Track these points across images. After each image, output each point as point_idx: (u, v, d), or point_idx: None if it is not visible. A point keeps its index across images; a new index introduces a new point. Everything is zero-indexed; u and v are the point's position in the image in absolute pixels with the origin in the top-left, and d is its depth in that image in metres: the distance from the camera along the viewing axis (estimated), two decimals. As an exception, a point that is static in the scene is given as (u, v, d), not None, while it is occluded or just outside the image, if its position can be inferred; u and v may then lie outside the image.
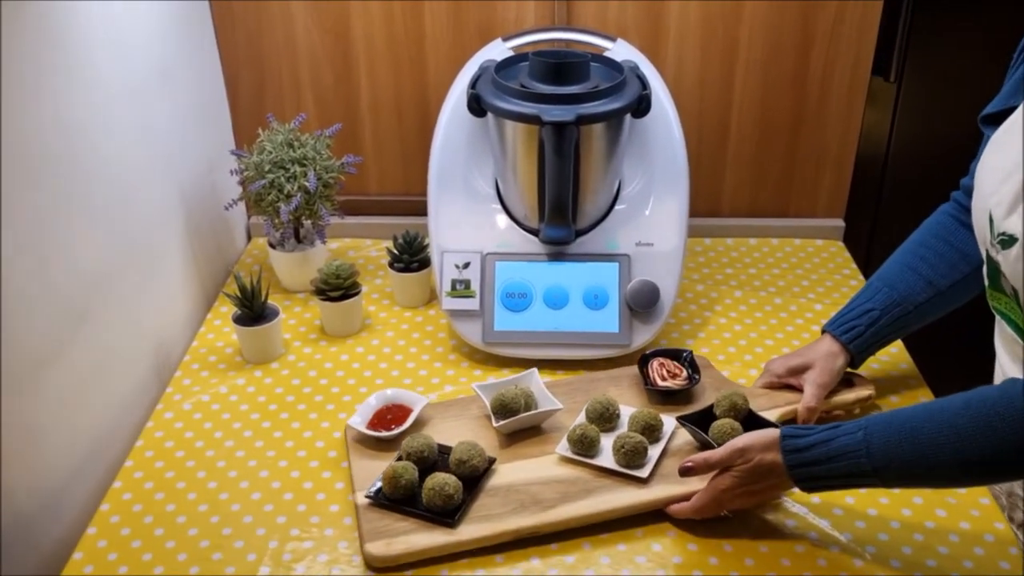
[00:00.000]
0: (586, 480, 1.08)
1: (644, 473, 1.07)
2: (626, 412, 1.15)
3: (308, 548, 1.02)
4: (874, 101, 1.63)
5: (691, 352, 1.25)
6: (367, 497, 1.05)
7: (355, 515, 1.05)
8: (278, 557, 1.01)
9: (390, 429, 1.14)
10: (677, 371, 1.22)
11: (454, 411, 1.19)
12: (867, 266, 1.57)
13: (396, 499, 1.04)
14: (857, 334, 1.16)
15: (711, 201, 1.61)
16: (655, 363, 1.23)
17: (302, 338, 1.37)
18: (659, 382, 1.21)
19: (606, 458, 1.09)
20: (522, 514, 1.03)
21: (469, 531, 1.01)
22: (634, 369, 1.25)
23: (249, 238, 1.65)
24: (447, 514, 1.02)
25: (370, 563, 0.99)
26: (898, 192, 1.72)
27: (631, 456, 1.07)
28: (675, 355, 1.25)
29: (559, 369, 1.29)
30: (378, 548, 0.99)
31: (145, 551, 1.02)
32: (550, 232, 1.25)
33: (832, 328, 1.18)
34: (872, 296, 1.16)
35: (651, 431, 1.11)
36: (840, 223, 1.62)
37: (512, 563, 1.00)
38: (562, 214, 1.21)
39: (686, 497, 1.04)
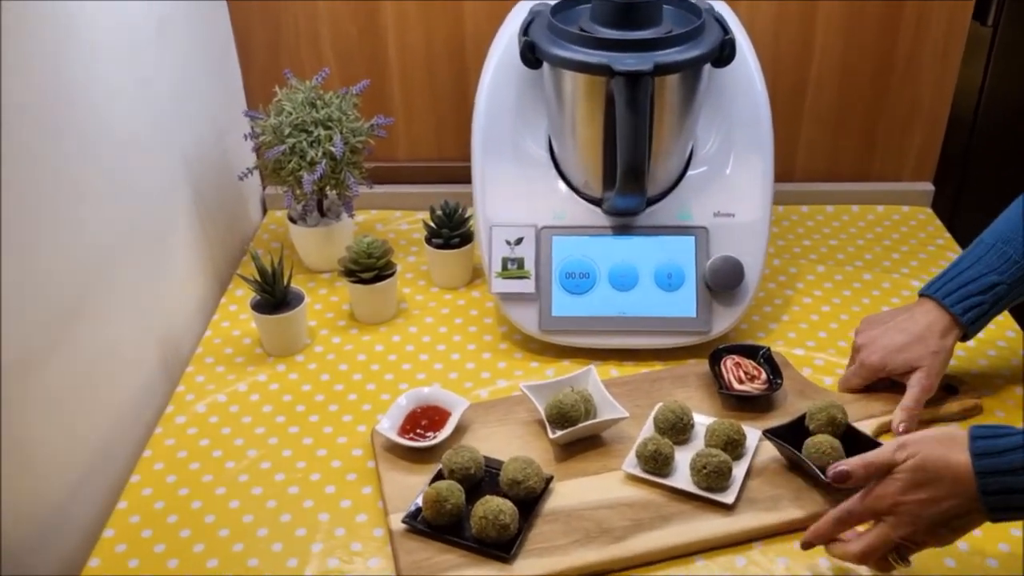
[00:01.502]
0: (659, 504, 0.91)
1: (729, 498, 0.91)
2: (699, 421, 0.99)
3: (350, 583, 0.86)
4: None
5: (768, 349, 1.08)
6: (404, 522, 0.89)
7: (390, 541, 0.89)
8: (314, 595, 0.85)
9: (425, 437, 0.98)
10: (756, 372, 1.05)
11: (497, 414, 1.03)
12: (954, 236, 1.39)
13: (440, 526, 0.88)
14: (980, 312, 0.98)
15: (784, 164, 1.42)
16: (729, 362, 1.06)
17: (329, 325, 1.20)
18: (736, 385, 1.04)
19: (682, 478, 0.93)
20: (589, 546, 0.87)
21: (527, 567, 0.85)
22: (701, 367, 1.08)
23: (265, 212, 1.48)
24: (502, 546, 0.86)
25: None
26: (988, 153, 1.53)
27: (714, 478, 0.91)
28: (750, 352, 1.08)
29: (627, 360, 1.12)
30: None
31: (157, 588, 0.86)
32: (620, 201, 1.08)
33: (943, 297, 0.99)
34: (996, 265, 0.97)
35: (733, 447, 0.95)
36: (929, 187, 1.44)
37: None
38: (637, 179, 1.03)
39: (782, 527, 0.88)
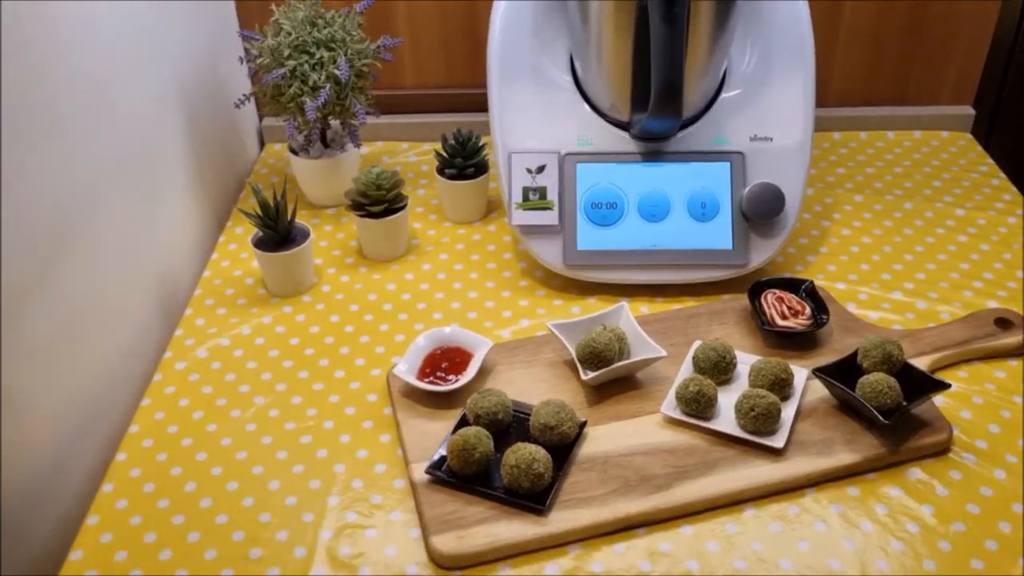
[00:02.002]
0: (703, 450, 0.85)
1: (779, 442, 0.84)
2: (741, 360, 0.92)
3: (371, 539, 0.80)
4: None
5: (811, 282, 1.00)
6: (427, 473, 0.82)
7: (412, 494, 0.82)
8: (334, 552, 0.78)
9: (446, 381, 0.90)
10: (799, 307, 0.98)
11: (524, 354, 0.96)
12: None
13: (467, 477, 0.81)
14: None
15: (816, 87, 1.34)
16: (770, 297, 0.99)
17: (336, 263, 1.12)
18: (779, 321, 0.96)
19: (726, 421, 0.86)
20: (629, 496, 0.80)
21: (564, 520, 0.79)
22: (739, 303, 1.01)
23: (262, 145, 1.39)
24: (535, 498, 0.79)
25: (439, 562, 0.77)
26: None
27: (763, 420, 0.84)
28: (791, 285, 1.00)
29: (658, 296, 1.05)
30: (448, 543, 0.77)
31: (162, 547, 0.79)
32: (654, 124, 0.99)
33: None
34: None
35: (781, 387, 0.88)
36: (969, 111, 1.35)
37: (591, 552, 0.78)
38: (674, 99, 0.94)
39: (836, 472, 0.83)
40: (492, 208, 1.21)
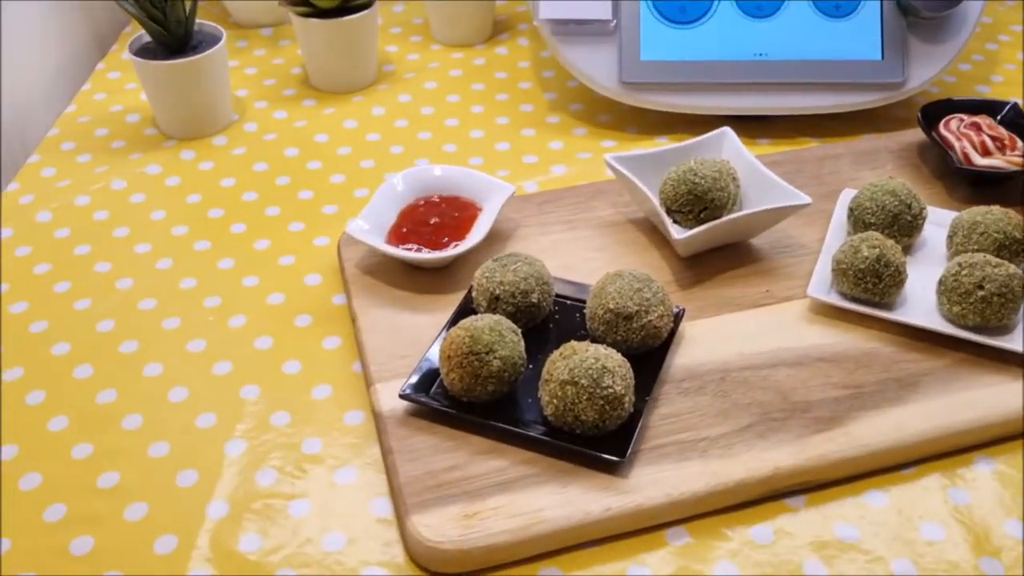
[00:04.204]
0: (888, 358, 0.49)
1: (1018, 343, 0.48)
2: (931, 220, 0.56)
3: (300, 520, 0.43)
4: None
5: (1016, 104, 0.64)
6: (404, 396, 0.45)
7: (377, 438, 0.46)
8: (226, 544, 0.42)
9: (439, 246, 0.53)
10: (1007, 140, 0.60)
11: (562, 211, 0.59)
12: None
13: (476, 404, 0.45)
14: None
15: None
16: (957, 124, 0.62)
17: (270, 95, 0.75)
18: (978, 159, 0.59)
19: (922, 310, 0.50)
20: (772, 439, 0.44)
21: (658, 482, 0.42)
22: (894, 141, 0.65)
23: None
24: (607, 441, 0.43)
25: (425, 563, 0.41)
26: None
27: (998, 306, 0.48)
28: (986, 109, 0.63)
29: (764, 134, 0.68)
30: (440, 529, 0.41)
31: None
32: None
33: None
34: None
35: (1012, 253, 0.51)
36: None
37: (708, 542, 0.42)
38: None
39: None
40: (501, 28, 0.83)
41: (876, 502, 0.43)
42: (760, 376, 0.47)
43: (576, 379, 0.42)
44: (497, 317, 0.45)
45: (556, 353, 0.44)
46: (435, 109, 0.73)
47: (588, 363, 0.42)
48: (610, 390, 0.42)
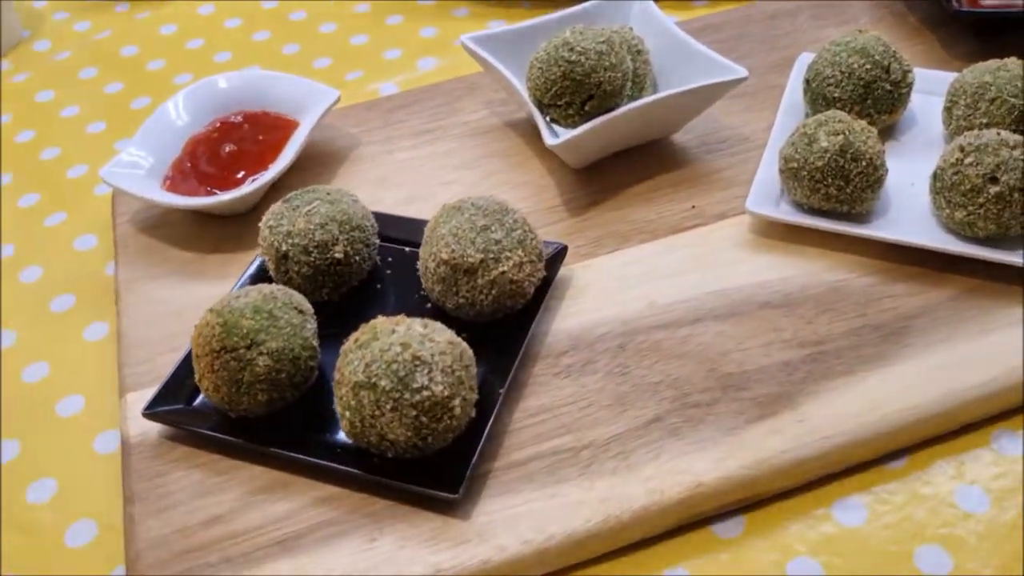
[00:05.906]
0: (862, 294, 0.34)
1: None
2: (920, 88, 0.40)
3: None
4: None
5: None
6: (147, 414, 0.32)
7: (122, 468, 0.32)
8: None
9: (234, 184, 0.38)
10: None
11: (422, 118, 0.44)
12: None
13: (253, 422, 0.31)
14: None
15: None
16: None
17: (70, 5, 0.58)
18: (981, -6, 0.43)
19: (907, 217, 0.36)
20: (689, 438, 0.30)
21: (509, 536, 0.28)
22: None
23: None
24: (441, 464, 0.29)
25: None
26: None
27: (1017, 206, 0.33)
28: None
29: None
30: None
31: None
32: None
33: None
34: None
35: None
36: None
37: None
38: None
39: None
40: None
41: (850, 519, 0.29)
42: (677, 338, 0.32)
43: (374, 379, 0.27)
44: (271, 289, 0.31)
45: (351, 339, 0.29)
46: (279, 2, 0.56)
47: (391, 353, 0.27)
48: (425, 392, 0.27)
